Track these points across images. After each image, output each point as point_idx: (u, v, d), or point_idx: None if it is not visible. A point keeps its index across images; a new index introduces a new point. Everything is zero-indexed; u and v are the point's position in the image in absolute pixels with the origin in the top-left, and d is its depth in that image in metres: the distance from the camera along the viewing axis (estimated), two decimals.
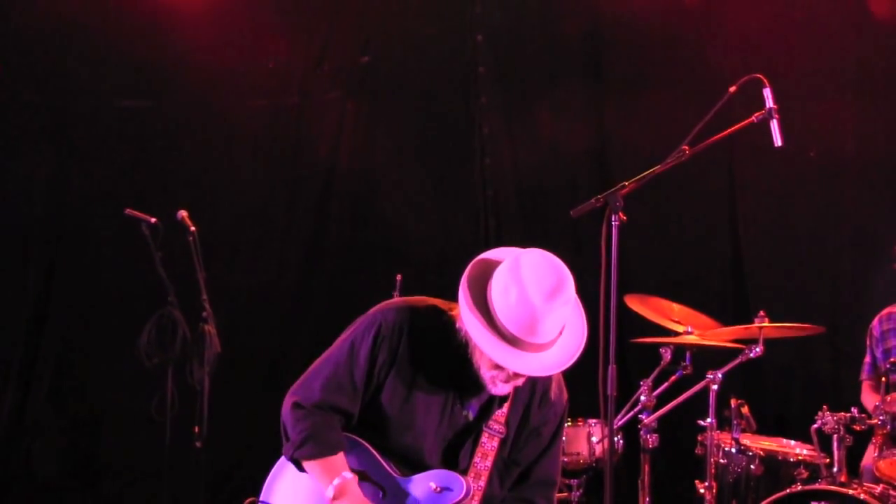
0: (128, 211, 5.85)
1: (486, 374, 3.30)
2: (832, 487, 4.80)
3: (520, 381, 3.34)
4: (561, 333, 3.25)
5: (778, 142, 3.96)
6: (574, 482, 5.59)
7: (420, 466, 3.43)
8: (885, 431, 4.93)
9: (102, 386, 7.27)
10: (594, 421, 5.54)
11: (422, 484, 3.40)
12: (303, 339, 7.04)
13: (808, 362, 6.61)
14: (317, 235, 7.35)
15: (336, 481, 3.36)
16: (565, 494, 5.61)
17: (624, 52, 7.06)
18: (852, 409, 4.96)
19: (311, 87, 7.40)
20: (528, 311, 3.16)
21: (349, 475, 3.38)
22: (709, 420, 5.15)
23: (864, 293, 6.46)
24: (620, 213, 3.81)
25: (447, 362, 3.37)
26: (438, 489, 3.36)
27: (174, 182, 7.18)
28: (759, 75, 3.97)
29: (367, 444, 3.46)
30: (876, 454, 4.98)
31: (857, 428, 4.94)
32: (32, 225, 7.45)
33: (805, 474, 5.07)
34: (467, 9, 7.16)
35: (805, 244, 6.74)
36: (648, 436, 5.28)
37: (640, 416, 5.33)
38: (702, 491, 5.15)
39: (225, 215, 7.19)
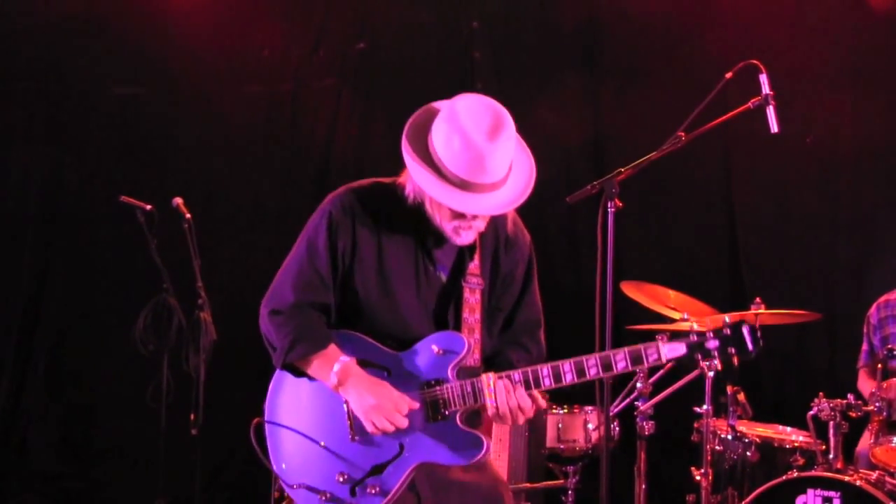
0: (123, 198, 5.83)
1: (447, 226, 3.34)
2: (828, 474, 4.80)
3: (481, 226, 3.37)
4: (510, 172, 3.31)
5: (774, 128, 3.96)
6: (570, 469, 5.59)
7: (414, 341, 3.43)
8: (881, 418, 4.93)
9: (98, 373, 7.27)
10: (590, 408, 5.54)
11: (423, 352, 3.40)
12: None
13: (805, 349, 6.61)
14: None
15: (336, 367, 3.35)
16: (562, 482, 5.62)
17: (620, 40, 7.04)
18: (848, 395, 4.97)
19: (307, 73, 7.38)
20: (473, 152, 3.22)
21: (347, 358, 3.37)
22: (705, 407, 5.15)
23: (861, 280, 6.46)
24: (616, 200, 3.80)
25: (405, 229, 3.42)
26: (441, 351, 3.37)
27: (169, 169, 7.16)
28: (755, 61, 3.96)
29: (357, 333, 3.45)
30: (872, 441, 4.99)
31: (854, 415, 4.94)
32: (27, 212, 7.44)
33: (801, 461, 5.07)
34: None
35: (801, 231, 6.74)
36: (644, 423, 5.28)
37: (636, 403, 5.32)
38: (698, 478, 5.16)
39: (220, 202, 7.17)
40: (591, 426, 5.52)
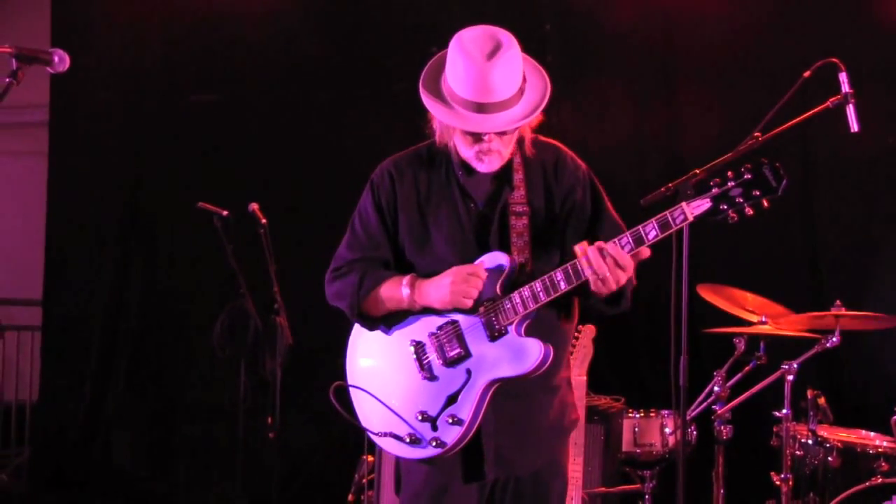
0: (200, 204, 5.92)
1: (469, 154, 3.47)
2: None
3: (503, 149, 3.45)
4: (523, 92, 3.42)
5: (854, 127, 3.89)
6: (647, 473, 5.55)
7: None
8: None
9: (177, 378, 7.39)
10: (667, 412, 5.49)
11: None
12: None
13: (887, 352, 6.47)
14: None
15: (405, 280, 3.50)
16: (638, 486, 5.57)
17: (695, 40, 6.94)
18: None
19: (380, 78, 7.41)
20: (476, 73, 3.35)
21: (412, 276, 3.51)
22: (784, 411, 5.07)
23: None
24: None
25: (440, 177, 3.58)
26: (487, 272, 3.44)
27: (245, 175, 7.24)
28: (834, 59, 3.89)
29: None
30: None
31: None
32: (107, 218, 7.59)
33: (885, 467, 4.95)
34: None
35: (883, 232, 6.59)
36: (722, 427, 5.23)
37: (713, 406, 5.27)
38: (778, 483, 5.08)
39: (295, 207, 7.23)
40: (667, 430, 5.48)
